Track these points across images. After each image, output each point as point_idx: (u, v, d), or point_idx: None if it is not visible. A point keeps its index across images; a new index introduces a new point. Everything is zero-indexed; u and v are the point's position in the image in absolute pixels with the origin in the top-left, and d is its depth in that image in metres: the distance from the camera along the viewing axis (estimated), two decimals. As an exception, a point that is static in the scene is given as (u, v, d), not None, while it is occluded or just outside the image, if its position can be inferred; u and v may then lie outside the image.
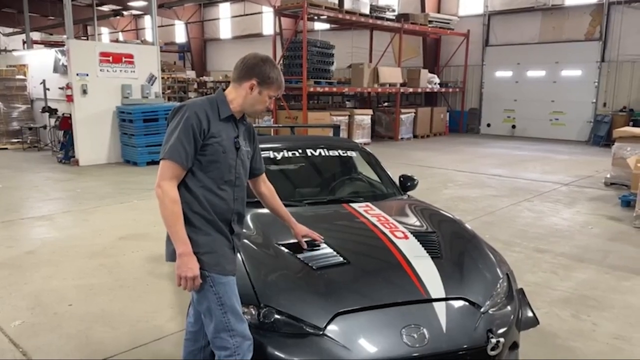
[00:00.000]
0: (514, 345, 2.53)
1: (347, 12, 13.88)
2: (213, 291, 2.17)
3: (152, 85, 11.43)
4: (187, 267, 2.10)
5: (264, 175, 2.63)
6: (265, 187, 2.65)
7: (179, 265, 2.11)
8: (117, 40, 27.18)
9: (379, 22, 15.14)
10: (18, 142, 12.96)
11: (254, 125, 2.54)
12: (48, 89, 12.08)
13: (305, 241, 2.78)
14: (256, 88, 2.21)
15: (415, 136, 16.72)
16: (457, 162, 11.46)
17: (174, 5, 22.77)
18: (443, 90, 18.19)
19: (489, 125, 18.29)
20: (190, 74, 23.43)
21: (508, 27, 17.26)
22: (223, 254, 2.22)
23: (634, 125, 12.45)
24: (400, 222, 3.10)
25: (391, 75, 15.37)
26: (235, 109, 2.26)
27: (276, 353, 2.21)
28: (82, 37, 27.38)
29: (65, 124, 10.77)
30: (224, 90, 2.31)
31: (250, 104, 2.25)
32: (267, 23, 23.94)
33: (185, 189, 2.18)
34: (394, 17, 15.69)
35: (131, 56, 11.07)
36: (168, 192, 2.11)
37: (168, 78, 20.93)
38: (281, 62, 14.47)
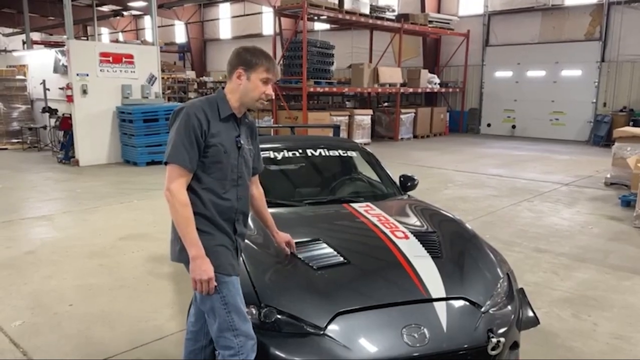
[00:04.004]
0: (515, 345, 2.53)
1: (347, 12, 13.87)
2: (217, 291, 2.16)
3: (152, 85, 11.43)
4: (200, 269, 2.10)
5: (257, 177, 2.59)
6: (257, 189, 2.61)
7: (193, 268, 2.11)
8: (117, 41, 27.20)
9: (378, 22, 15.14)
10: (18, 142, 12.97)
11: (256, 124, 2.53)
12: (48, 89, 12.08)
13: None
14: (243, 75, 2.20)
15: (415, 136, 16.72)
16: (457, 162, 11.46)
17: (173, 6, 22.77)
18: (443, 90, 18.19)
19: (489, 125, 18.29)
20: (190, 74, 23.43)
21: (508, 27, 17.26)
22: (226, 254, 2.22)
23: (634, 125, 12.44)
24: (400, 222, 3.10)
25: (391, 75, 15.37)
26: (234, 105, 2.25)
27: (277, 353, 2.21)
28: (82, 38, 27.36)
29: (65, 124, 10.77)
30: (223, 89, 2.30)
31: (244, 93, 2.22)
32: (267, 23, 23.97)
33: (188, 190, 2.17)
34: (393, 17, 15.69)
35: (131, 56, 11.07)
36: (176, 195, 2.11)
37: (168, 78, 20.94)
38: (281, 62, 14.47)
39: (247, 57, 2.20)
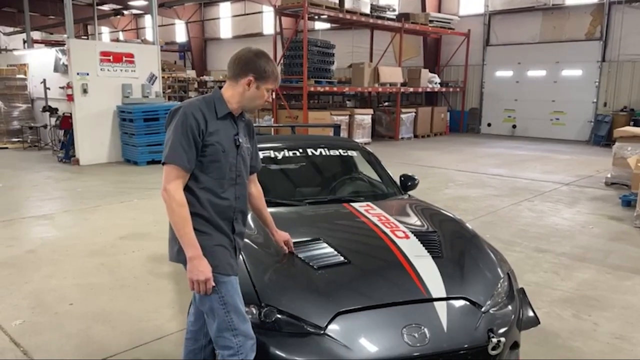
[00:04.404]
0: (515, 345, 2.53)
1: (348, 11, 13.87)
2: (215, 291, 2.16)
3: (152, 84, 11.43)
4: (198, 270, 2.09)
5: (255, 175, 2.59)
6: (255, 187, 2.60)
7: (190, 269, 2.10)
8: (117, 40, 27.18)
9: (379, 21, 15.14)
10: (18, 141, 12.97)
11: (254, 124, 2.53)
12: (48, 88, 12.08)
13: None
14: (253, 83, 2.20)
15: (415, 136, 16.72)
16: (457, 161, 11.46)
17: (174, 5, 22.78)
18: (443, 89, 18.19)
19: (489, 125, 18.28)
20: (191, 74, 23.42)
21: (509, 26, 17.25)
22: (224, 254, 2.21)
23: (634, 125, 12.45)
24: (401, 222, 3.10)
25: (392, 74, 15.36)
26: (233, 106, 2.24)
27: (277, 352, 2.21)
28: (83, 37, 27.37)
29: (66, 123, 10.76)
30: (220, 88, 2.29)
31: (249, 100, 2.24)
32: (268, 22, 23.97)
33: (185, 190, 2.16)
34: (394, 17, 15.69)
35: (132, 55, 11.07)
36: (174, 195, 2.09)
37: (168, 77, 20.92)
38: (281, 61, 14.47)
39: (260, 67, 2.19)
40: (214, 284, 2.13)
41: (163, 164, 2.14)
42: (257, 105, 2.30)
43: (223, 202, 2.22)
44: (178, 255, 2.20)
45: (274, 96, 14.06)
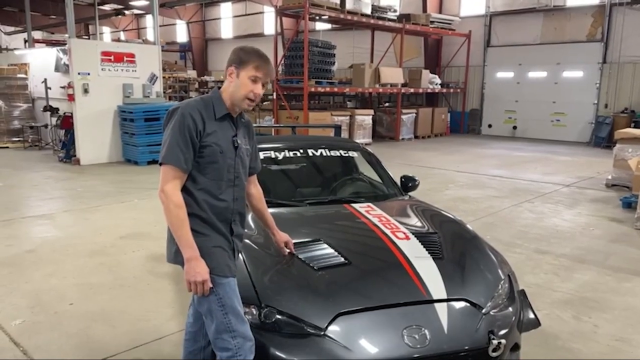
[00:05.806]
0: (515, 347, 2.53)
1: (349, 12, 13.87)
2: (213, 292, 2.15)
3: (153, 84, 11.43)
4: (195, 271, 2.08)
5: (255, 176, 2.58)
6: (255, 188, 2.59)
7: (187, 270, 2.09)
8: (118, 40, 27.19)
9: (380, 22, 15.14)
10: (19, 141, 12.96)
11: (254, 124, 2.52)
12: (49, 88, 12.08)
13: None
14: (234, 73, 2.18)
15: (416, 136, 16.72)
16: (458, 162, 11.45)
17: (175, 5, 22.77)
18: (444, 90, 18.17)
19: (490, 126, 18.27)
20: (192, 74, 23.42)
21: (510, 27, 17.24)
22: (222, 256, 2.20)
23: (635, 127, 12.44)
24: (401, 223, 3.10)
25: (392, 75, 15.36)
26: (227, 104, 2.23)
27: (277, 353, 2.20)
28: (84, 36, 27.37)
29: (67, 123, 10.77)
30: (219, 89, 2.28)
31: (233, 92, 2.19)
32: (269, 23, 23.96)
33: (183, 191, 2.15)
34: (395, 18, 15.69)
35: (132, 55, 11.07)
36: (171, 196, 2.09)
37: (169, 77, 20.92)
38: (282, 62, 14.48)
39: (239, 55, 2.19)
40: (211, 286, 2.13)
41: (160, 164, 2.14)
42: (240, 95, 2.17)
43: (221, 204, 2.21)
44: (176, 256, 2.20)
45: (274, 96, 14.08)
